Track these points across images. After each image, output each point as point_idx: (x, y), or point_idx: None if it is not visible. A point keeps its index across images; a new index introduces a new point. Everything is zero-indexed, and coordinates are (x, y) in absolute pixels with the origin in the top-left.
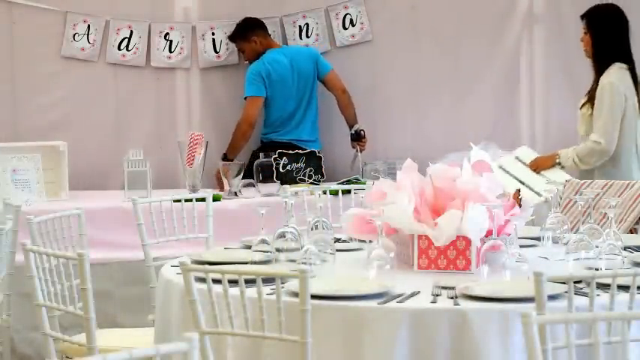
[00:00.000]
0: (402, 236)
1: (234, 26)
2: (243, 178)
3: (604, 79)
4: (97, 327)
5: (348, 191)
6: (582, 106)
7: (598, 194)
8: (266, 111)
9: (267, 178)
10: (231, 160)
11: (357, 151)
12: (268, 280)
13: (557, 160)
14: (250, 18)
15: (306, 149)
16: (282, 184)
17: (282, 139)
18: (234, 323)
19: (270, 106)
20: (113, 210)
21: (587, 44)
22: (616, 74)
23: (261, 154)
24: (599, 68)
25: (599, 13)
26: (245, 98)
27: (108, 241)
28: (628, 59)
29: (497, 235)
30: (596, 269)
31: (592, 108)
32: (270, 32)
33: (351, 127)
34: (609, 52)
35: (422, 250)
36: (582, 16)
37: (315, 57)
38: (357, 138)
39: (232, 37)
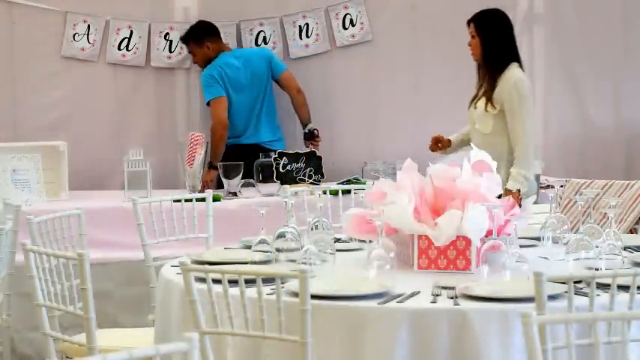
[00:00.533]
0: (402, 236)
1: (189, 29)
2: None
3: (509, 77)
4: (97, 327)
5: (348, 191)
6: (474, 102)
7: (598, 194)
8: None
9: (267, 178)
10: (216, 168)
11: (311, 149)
12: (268, 280)
13: (520, 192)
14: (204, 22)
15: (270, 149)
16: (282, 184)
17: (245, 142)
18: (234, 323)
19: (227, 110)
20: (113, 210)
21: (476, 48)
22: (520, 73)
23: (261, 154)
24: (493, 70)
25: (487, 17)
26: (207, 103)
27: (108, 241)
28: (518, 59)
29: (497, 235)
30: (596, 269)
31: (492, 106)
32: (270, 32)
33: (304, 126)
34: (503, 54)
35: (422, 250)
36: (469, 21)
37: (269, 57)
38: (311, 137)
39: (185, 39)
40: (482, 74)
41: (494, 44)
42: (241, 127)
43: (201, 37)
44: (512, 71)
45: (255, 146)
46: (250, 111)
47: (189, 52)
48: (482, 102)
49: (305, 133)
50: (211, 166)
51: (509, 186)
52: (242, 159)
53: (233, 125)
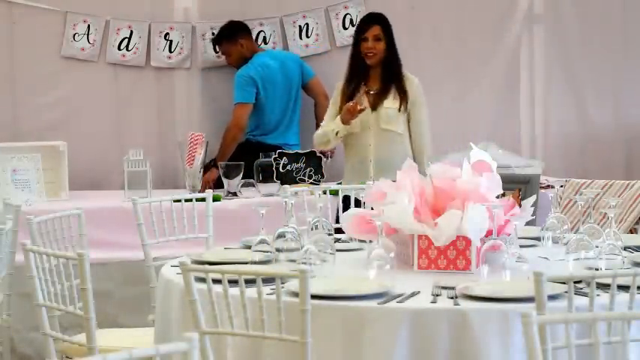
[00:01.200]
0: (402, 236)
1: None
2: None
3: (412, 80)
4: (97, 327)
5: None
6: (374, 103)
7: (598, 194)
8: (257, 113)
9: (267, 178)
10: (216, 166)
11: (328, 155)
12: (268, 280)
13: None
14: (236, 21)
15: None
16: (282, 184)
17: (271, 142)
18: (234, 323)
19: (262, 109)
20: (113, 210)
21: (381, 50)
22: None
23: (261, 154)
24: (397, 73)
25: (387, 21)
26: (235, 104)
27: (108, 241)
28: None
29: (497, 235)
30: (596, 269)
31: (405, 107)
32: (270, 32)
33: None
34: (398, 59)
35: (422, 250)
36: (373, 23)
37: (300, 62)
38: None
39: (218, 39)
40: (382, 77)
41: (394, 49)
42: (271, 126)
43: (235, 35)
44: (409, 75)
45: (277, 147)
46: (283, 112)
47: (223, 54)
48: (394, 103)
49: None
50: (215, 165)
51: None
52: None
53: (264, 123)
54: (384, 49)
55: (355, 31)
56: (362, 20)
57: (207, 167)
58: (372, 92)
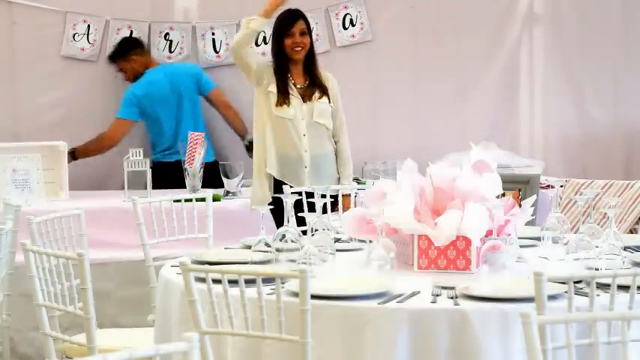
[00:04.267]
0: (402, 236)
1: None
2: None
3: (329, 76)
4: (97, 327)
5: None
6: (308, 92)
7: (598, 194)
8: (150, 133)
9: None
10: (75, 159)
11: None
12: (268, 280)
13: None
14: (129, 37)
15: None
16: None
17: (171, 159)
18: (234, 323)
19: (153, 127)
20: (113, 210)
21: (307, 45)
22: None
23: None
24: (316, 68)
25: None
26: (115, 118)
27: (108, 241)
28: None
29: (497, 235)
30: (596, 269)
31: (327, 99)
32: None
33: (242, 137)
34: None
35: (422, 250)
36: (300, 18)
37: (197, 75)
38: (252, 148)
39: (113, 57)
40: (307, 71)
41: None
42: (167, 144)
43: (127, 53)
44: (329, 74)
45: (177, 163)
46: (177, 129)
47: (119, 71)
48: (324, 98)
49: (246, 146)
50: (73, 157)
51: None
52: (169, 176)
53: (159, 142)
54: (309, 44)
55: (277, 27)
56: (284, 17)
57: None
58: (300, 87)
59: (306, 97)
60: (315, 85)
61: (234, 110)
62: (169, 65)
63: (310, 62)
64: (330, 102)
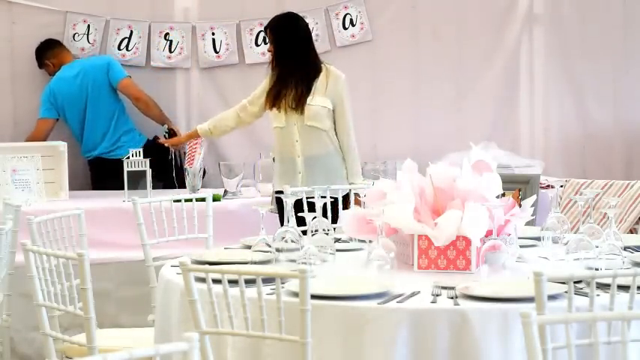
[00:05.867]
0: (402, 236)
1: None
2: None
3: (339, 75)
4: (97, 327)
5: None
6: (297, 102)
7: (598, 194)
8: (73, 129)
9: (267, 178)
10: None
11: (171, 151)
12: (268, 280)
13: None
14: (44, 42)
15: (113, 159)
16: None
17: (91, 155)
18: (234, 323)
19: (70, 124)
20: (113, 210)
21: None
22: (339, 71)
23: (262, 154)
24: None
25: (277, 24)
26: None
27: (108, 241)
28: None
29: (497, 235)
30: (596, 269)
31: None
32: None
33: (162, 125)
34: (296, 55)
35: (422, 250)
36: (267, 28)
37: (107, 65)
38: (170, 137)
39: (39, 65)
40: (299, 77)
41: (289, 47)
42: (88, 141)
43: (41, 59)
44: (334, 70)
45: (98, 159)
46: (93, 123)
47: (48, 73)
48: (317, 100)
49: (164, 134)
50: None
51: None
52: (101, 173)
53: (79, 139)
54: (273, 52)
55: (307, 29)
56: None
57: None
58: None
59: (298, 104)
60: (316, 88)
61: (145, 100)
62: (82, 60)
63: (289, 66)
64: (326, 102)
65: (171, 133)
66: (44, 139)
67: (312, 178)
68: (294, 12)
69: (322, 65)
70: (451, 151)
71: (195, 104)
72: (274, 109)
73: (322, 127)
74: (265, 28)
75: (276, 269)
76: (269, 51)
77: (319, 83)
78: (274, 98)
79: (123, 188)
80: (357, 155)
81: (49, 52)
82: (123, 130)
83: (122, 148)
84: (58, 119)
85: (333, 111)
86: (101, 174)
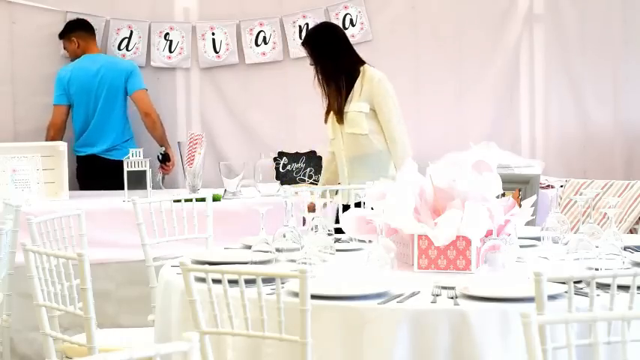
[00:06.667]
0: (402, 236)
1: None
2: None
3: (373, 78)
4: (97, 327)
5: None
6: (335, 113)
7: (598, 194)
8: (72, 120)
9: (267, 178)
10: None
11: (159, 173)
12: (268, 280)
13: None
14: (79, 19)
15: (109, 159)
16: (282, 184)
17: (85, 152)
18: (234, 323)
19: (73, 116)
20: (113, 210)
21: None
22: (378, 71)
23: (262, 154)
24: (338, 76)
25: (313, 37)
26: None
27: (108, 241)
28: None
29: (497, 235)
30: (596, 269)
31: (364, 106)
32: (270, 32)
33: (161, 146)
34: (335, 63)
35: (422, 250)
36: (303, 44)
37: (129, 72)
38: (163, 160)
39: (60, 35)
40: (335, 85)
41: (326, 56)
42: (84, 137)
43: (70, 32)
44: (371, 71)
45: (91, 157)
46: (94, 121)
47: (64, 49)
48: (353, 106)
49: (158, 156)
50: None
51: None
52: (91, 173)
53: (78, 133)
54: (315, 64)
55: (345, 37)
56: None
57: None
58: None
59: (336, 113)
60: (347, 96)
61: (153, 118)
62: (107, 56)
63: (331, 75)
64: (361, 106)
65: (166, 157)
66: (63, 125)
67: (356, 179)
68: (328, 22)
69: (361, 68)
70: (451, 151)
71: (195, 104)
72: (328, 124)
73: (361, 132)
74: (302, 43)
75: (276, 269)
76: (311, 65)
77: (356, 87)
78: (326, 113)
79: (112, 187)
80: (403, 151)
81: (81, 31)
82: (125, 137)
83: (119, 152)
84: (70, 106)
85: (374, 111)
86: (91, 172)
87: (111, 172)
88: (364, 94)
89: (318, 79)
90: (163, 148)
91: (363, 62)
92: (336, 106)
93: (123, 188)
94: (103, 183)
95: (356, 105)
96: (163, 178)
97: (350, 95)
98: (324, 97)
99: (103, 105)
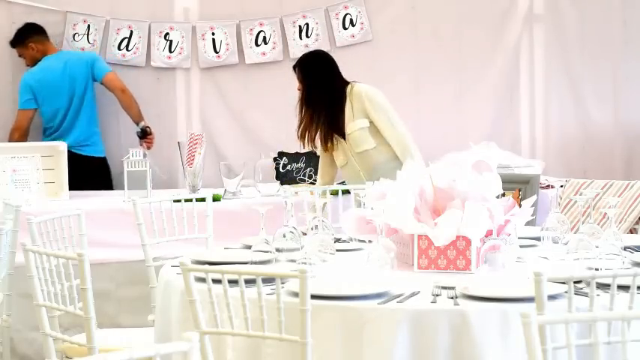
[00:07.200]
0: (402, 236)
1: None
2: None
3: (360, 94)
4: (97, 327)
5: (348, 191)
6: (334, 139)
7: (598, 194)
8: (43, 119)
9: (267, 178)
10: None
11: (144, 148)
12: (268, 280)
13: None
14: (29, 24)
15: (81, 155)
16: (282, 184)
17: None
18: (234, 323)
19: (45, 115)
20: (113, 210)
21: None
22: (364, 85)
23: (262, 154)
24: (327, 100)
25: (305, 62)
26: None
27: (108, 241)
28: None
29: (497, 235)
30: (596, 269)
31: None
32: (270, 32)
33: (137, 123)
34: (325, 88)
35: (422, 250)
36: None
37: (92, 61)
38: (143, 135)
39: (13, 44)
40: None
41: (318, 83)
42: (54, 132)
43: (25, 39)
44: (356, 87)
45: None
46: (64, 116)
47: (19, 56)
48: (351, 126)
49: (137, 133)
50: None
51: None
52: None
53: (50, 130)
54: (303, 89)
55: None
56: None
57: None
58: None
59: (336, 139)
60: (341, 116)
61: (129, 95)
62: (67, 52)
63: (321, 100)
64: (358, 123)
65: (145, 131)
66: (28, 128)
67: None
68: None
69: (347, 88)
70: (451, 151)
71: (195, 104)
72: (333, 152)
73: (369, 147)
74: (293, 67)
75: (276, 269)
76: (298, 89)
77: (347, 109)
78: (311, 141)
79: (88, 184)
80: (409, 154)
81: (35, 36)
82: (93, 130)
83: (90, 148)
84: (36, 109)
85: (373, 123)
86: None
87: (85, 168)
88: (357, 111)
89: (302, 103)
90: (142, 124)
91: (347, 82)
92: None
93: (98, 185)
94: (78, 179)
95: (355, 124)
96: (145, 155)
97: (345, 117)
98: (300, 121)
99: (76, 99)
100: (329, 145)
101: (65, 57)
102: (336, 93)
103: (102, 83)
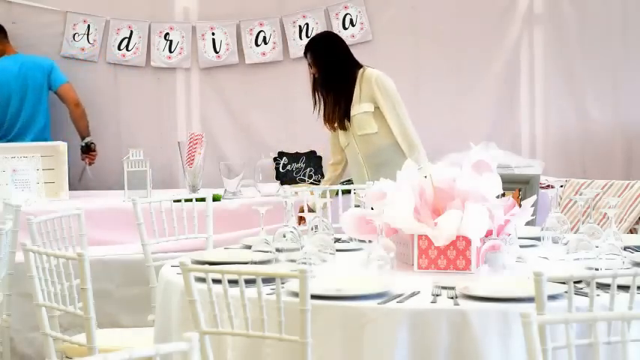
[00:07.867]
0: (402, 236)
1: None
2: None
3: (371, 78)
4: (97, 327)
5: (348, 191)
6: (339, 120)
7: (598, 194)
8: None
9: (267, 178)
10: None
11: (86, 163)
12: (268, 280)
13: None
14: None
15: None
16: (282, 184)
17: None
18: (234, 323)
19: None
20: (113, 210)
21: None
22: (374, 70)
23: (262, 154)
24: (339, 82)
25: (317, 45)
26: None
27: (108, 241)
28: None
29: (497, 235)
30: (596, 269)
31: (368, 106)
32: (270, 32)
33: (82, 139)
34: (338, 71)
35: (422, 250)
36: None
37: (49, 69)
38: (87, 151)
39: None
40: (335, 92)
41: (331, 65)
42: (3, 134)
43: None
44: (369, 71)
45: None
46: (15, 120)
47: None
48: (356, 108)
49: (81, 147)
50: None
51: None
52: None
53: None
54: (318, 72)
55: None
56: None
57: None
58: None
59: (341, 120)
60: (348, 100)
61: (82, 109)
62: (24, 55)
63: (333, 83)
64: (364, 107)
65: (89, 147)
66: None
67: (376, 175)
68: (329, 31)
69: (359, 71)
70: (451, 151)
71: (195, 104)
72: (338, 131)
73: (371, 131)
74: (305, 52)
75: (276, 269)
76: (312, 73)
77: (356, 91)
78: (328, 122)
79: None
80: (412, 144)
81: None
82: (46, 137)
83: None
84: None
85: (378, 109)
86: None
87: None
88: (364, 95)
89: (316, 87)
90: (88, 139)
91: (360, 66)
92: (341, 114)
93: None
94: None
95: (360, 107)
96: (83, 172)
97: (353, 99)
98: (319, 105)
99: (28, 103)
100: (336, 124)
101: (22, 59)
102: (350, 73)
103: (56, 93)
